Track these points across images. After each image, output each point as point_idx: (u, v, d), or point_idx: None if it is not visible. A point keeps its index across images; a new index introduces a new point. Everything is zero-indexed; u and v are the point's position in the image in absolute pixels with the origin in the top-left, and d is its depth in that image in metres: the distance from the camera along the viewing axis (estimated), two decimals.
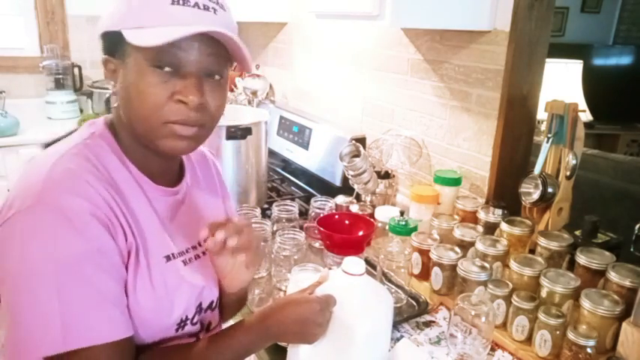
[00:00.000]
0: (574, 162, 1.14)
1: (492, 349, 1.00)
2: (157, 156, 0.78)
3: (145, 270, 0.73)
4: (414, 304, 1.16)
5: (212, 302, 0.86)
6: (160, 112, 0.70)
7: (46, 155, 0.72)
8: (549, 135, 1.17)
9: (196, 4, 0.68)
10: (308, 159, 1.95)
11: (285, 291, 1.12)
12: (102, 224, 0.67)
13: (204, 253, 0.86)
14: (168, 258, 0.78)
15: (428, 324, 1.10)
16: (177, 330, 0.79)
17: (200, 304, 0.83)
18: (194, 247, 0.85)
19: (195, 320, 0.82)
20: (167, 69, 0.69)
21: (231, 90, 2.33)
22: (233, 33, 0.72)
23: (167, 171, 0.83)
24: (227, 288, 0.86)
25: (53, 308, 0.64)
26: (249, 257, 0.80)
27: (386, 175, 1.63)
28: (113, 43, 0.71)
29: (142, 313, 0.73)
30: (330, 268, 1.10)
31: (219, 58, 0.72)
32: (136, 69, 0.69)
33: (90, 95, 2.63)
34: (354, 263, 0.84)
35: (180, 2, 0.67)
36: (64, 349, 0.64)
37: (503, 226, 1.18)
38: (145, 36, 0.66)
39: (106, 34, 0.73)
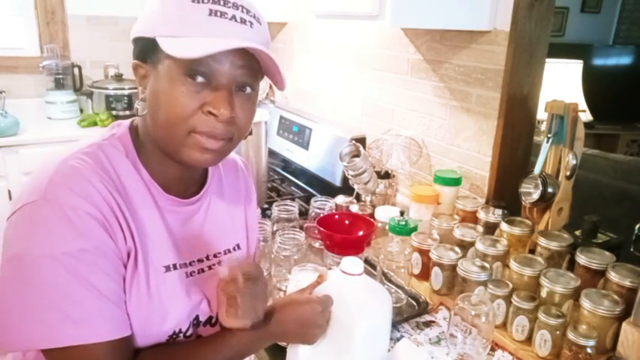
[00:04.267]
0: (574, 162, 1.14)
1: (492, 349, 1.00)
2: (177, 165, 0.77)
3: (142, 277, 0.73)
4: (414, 304, 1.16)
5: (211, 318, 0.85)
6: (187, 121, 0.69)
7: (62, 151, 0.72)
8: (549, 135, 1.17)
9: (234, 17, 0.68)
10: (308, 159, 1.95)
11: (285, 291, 1.12)
12: (100, 224, 0.67)
13: (210, 267, 0.85)
14: (167, 268, 0.77)
15: (428, 324, 1.10)
16: (168, 340, 0.78)
17: (197, 318, 0.82)
18: (201, 260, 0.84)
19: (189, 334, 0.81)
20: (199, 79, 0.68)
21: None
22: (267, 47, 0.73)
23: (184, 180, 0.82)
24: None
25: (50, 302, 0.64)
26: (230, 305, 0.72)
27: (386, 175, 1.63)
28: (146, 49, 0.71)
29: (133, 321, 0.72)
30: (330, 268, 1.10)
31: (251, 70, 0.71)
32: (168, 77, 0.69)
33: (90, 95, 2.63)
34: (352, 263, 0.84)
35: (218, 14, 0.67)
36: (60, 343, 0.64)
37: (503, 226, 1.18)
38: (182, 47, 0.65)
39: (139, 39, 0.72)
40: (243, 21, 0.69)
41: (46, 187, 0.66)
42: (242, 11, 0.69)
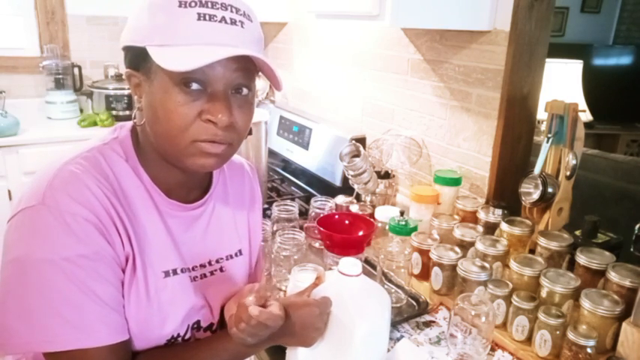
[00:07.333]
0: (574, 162, 1.14)
1: (492, 349, 1.00)
2: (179, 170, 0.77)
3: (141, 281, 0.73)
4: (414, 304, 1.16)
5: (212, 324, 0.85)
6: (187, 131, 0.68)
7: (64, 154, 0.72)
8: (549, 135, 1.17)
9: (223, 19, 0.66)
10: (308, 159, 1.95)
11: (285, 291, 1.12)
12: (98, 230, 0.67)
13: (212, 273, 0.85)
14: (167, 273, 0.77)
15: (428, 324, 1.10)
16: (166, 344, 0.78)
17: (198, 323, 0.82)
18: (203, 266, 0.83)
19: (187, 338, 0.81)
20: (194, 86, 0.67)
21: None
22: (259, 45, 0.71)
23: (187, 185, 0.81)
24: None
25: (50, 307, 0.64)
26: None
27: (386, 175, 1.63)
28: (137, 58, 0.70)
29: (132, 324, 0.72)
30: (330, 268, 1.10)
31: (246, 72, 0.70)
32: (163, 87, 0.67)
33: (90, 95, 2.63)
34: (350, 264, 0.84)
35: (207, 18, 0.65)
36: (60, 347, 0.65)
37: (503, 226, 1.18)
38: (174, 58, 0.64)
39: (129, 47, 0.71)
40: (233, 22, 0.67)
41: (44, 192, 0.66)
42: (231, 11, 0.67)
